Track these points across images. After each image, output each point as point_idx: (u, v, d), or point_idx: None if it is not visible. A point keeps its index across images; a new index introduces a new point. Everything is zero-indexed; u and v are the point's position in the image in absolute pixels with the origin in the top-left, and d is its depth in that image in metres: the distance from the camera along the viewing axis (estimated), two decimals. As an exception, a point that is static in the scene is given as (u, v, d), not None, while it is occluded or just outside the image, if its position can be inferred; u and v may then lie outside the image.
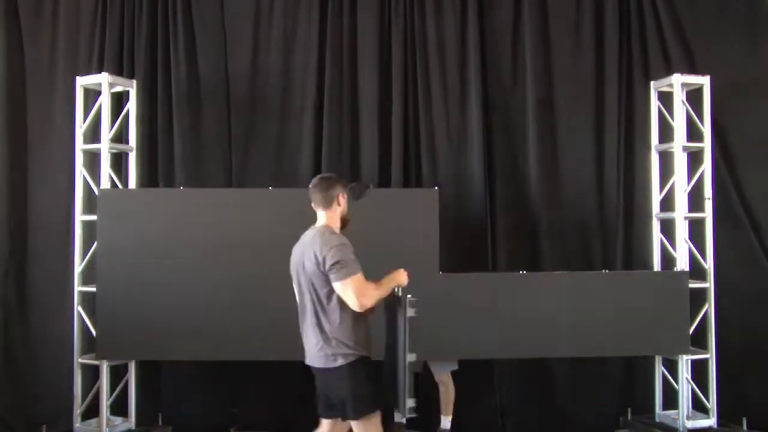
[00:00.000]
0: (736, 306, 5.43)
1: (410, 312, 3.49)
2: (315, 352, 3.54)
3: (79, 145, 5.17)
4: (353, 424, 3.54)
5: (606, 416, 5.46)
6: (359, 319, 3.52)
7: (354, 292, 3.41)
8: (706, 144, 5.28)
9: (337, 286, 3.45)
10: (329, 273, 3.44)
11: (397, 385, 3.58)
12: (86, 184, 5.17)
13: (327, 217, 3.65)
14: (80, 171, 5.16)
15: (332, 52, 5.56)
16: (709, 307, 5.21)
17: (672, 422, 5.19)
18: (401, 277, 3.61)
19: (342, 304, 3.47)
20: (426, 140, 5.58)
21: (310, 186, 3.70)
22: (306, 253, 3.55)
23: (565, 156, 5.59)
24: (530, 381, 5.53)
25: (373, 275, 3.58)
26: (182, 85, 5.55)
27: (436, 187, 5.07)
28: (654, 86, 5.48)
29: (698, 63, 5.54)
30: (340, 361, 3.48)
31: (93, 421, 5.13)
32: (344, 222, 3.71)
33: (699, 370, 5.23)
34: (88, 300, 5.13)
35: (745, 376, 5.46)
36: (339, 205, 3.66)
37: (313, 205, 3.67)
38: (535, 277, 5.04)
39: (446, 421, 5.05)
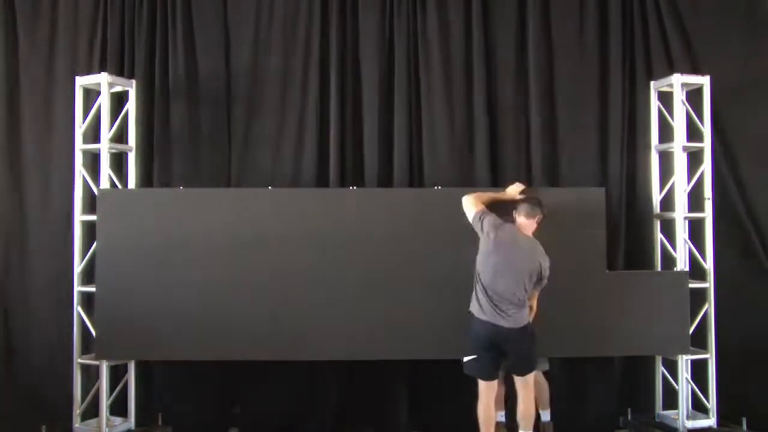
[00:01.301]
0: (736, 306, 5.43)
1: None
2: (516, 317, 4.45)
3: (79, 145, 5.17)
4: (523, 379, 4.56)
5: (606, 416, 5.47)
6: None
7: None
8: (706, 144, 5.28)
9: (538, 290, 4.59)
10: (544, 279, 4.53)
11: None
12: (86, 184, 5.16)
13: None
14: (80, 171, 5.15)
15: (334, 52, 5.55)
16: (709, 307, 5.21)
17: (672, 422, 5.19)
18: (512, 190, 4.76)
19: None
20: (429, 140, 5.57)
21: (537, 200, 4.55)
22: (531, 257, 4.47)
23: (567, 156, 5.59)
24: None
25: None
26: (182, 84, 5.54)
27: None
28: (654, 86, 5.48)
29: (698, 63, 5.55)
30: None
31: (93, 421, 5.12)
32: None
33: (699, 370, 5.23)
34: (88, 300, 5.12)
35: (745, 376, 5.46)
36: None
37: (527, 217, 4.52)
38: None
39: (546, 414, 5.18)
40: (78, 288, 5.12)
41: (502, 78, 5.64)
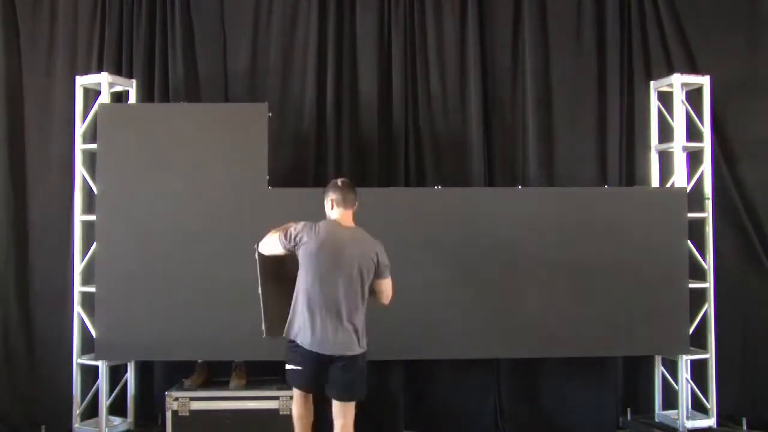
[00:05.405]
0: (736, 306, 5.44)
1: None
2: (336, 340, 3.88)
3: (79, 145, 5.16)
4: (346, 405, 4.03)
5: (606, 416, 5.47)
6: None
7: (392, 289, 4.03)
8: (706, 144, 5.28)
9: (387, 283, 4.00)
10: (383, 271, 3.96)
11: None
12: (86, 184, 5.16)
13: (352, 217, 4.03)
14: (80, 171, 5.15)
15: (332, 52, 5.55)
16: (709, 307, 5.21)
17: (672, 422, 5.19)
18: None
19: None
20: (427, 140, 5.58)
21: (344, 186, 4.03)
22: (365, 250, 3.91)
23: (564, 156, 5.59)
24: (530, 381, 5.53)
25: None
26: (181, 84, 5.54)
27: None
28: (654, 86, 5.48)
29: (698, 63, 5.55)
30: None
31: (92, 421, 5.12)
32: None
33: (699, 370, 5.23)
34: (88, 300, 5.12)
35: (745, 376, 5.47)
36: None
37: (343, 204, 3.99)
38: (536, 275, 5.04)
39: None
40: (78, 288, 5.12)
41: (499, 77, 5.64)
